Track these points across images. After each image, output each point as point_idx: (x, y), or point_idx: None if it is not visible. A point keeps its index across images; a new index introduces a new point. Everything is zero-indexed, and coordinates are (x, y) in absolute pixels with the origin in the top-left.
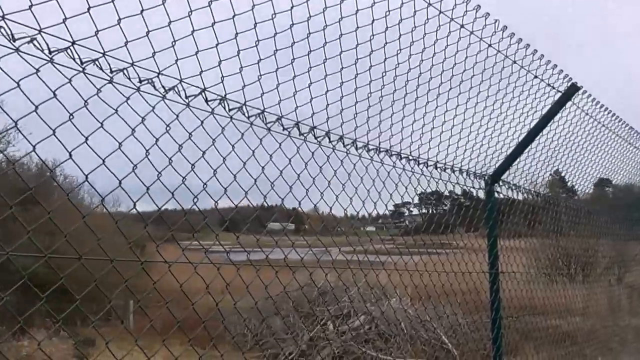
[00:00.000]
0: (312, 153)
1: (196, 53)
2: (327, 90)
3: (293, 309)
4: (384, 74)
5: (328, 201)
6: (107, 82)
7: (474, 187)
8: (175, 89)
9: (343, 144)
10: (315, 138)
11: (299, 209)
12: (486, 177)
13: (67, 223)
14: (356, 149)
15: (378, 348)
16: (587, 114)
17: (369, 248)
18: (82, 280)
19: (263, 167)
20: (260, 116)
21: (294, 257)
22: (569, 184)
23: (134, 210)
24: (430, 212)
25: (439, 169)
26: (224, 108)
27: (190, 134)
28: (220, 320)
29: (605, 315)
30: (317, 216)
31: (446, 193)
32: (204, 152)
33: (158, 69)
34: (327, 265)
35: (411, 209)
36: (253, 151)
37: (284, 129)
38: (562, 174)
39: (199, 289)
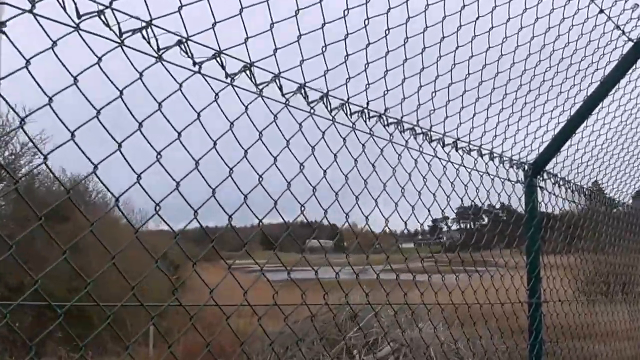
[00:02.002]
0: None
1: None
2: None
3: (319, 335)
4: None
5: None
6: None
7: (509, 180)
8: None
9: (346, 112)
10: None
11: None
12: (526, 167)
13: (96, 242)
14: (365, 120)
15: None
16: None
17: (405, 267)
18: (103, 299)
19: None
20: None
21: (329, 277)
22: (608, 195)
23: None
24: (467, 227)
25: (460, 150)
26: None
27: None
28: (248, 345)
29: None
30: (358, 232)
31: (485, 207)
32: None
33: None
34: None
35: (449, 224)
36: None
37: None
38: (601, 185)
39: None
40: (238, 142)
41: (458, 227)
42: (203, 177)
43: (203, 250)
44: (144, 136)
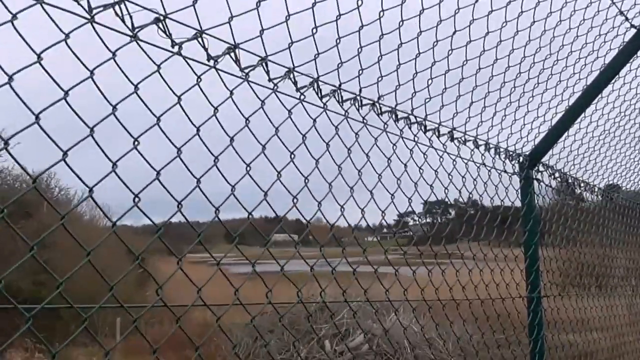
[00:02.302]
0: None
1: None
2: None
3: (288, 326)
4: None
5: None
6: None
7: (505, 171)
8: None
9: (337, 99)
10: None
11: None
12: (521, 158)
13: (62, 237)
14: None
15: None
16: None
17: (374, 259)
18: (70, 297)
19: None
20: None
21: (295, 269)
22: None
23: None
24: (434, 221)
25: (456, 141)
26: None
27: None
28: (214, 337)
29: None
30: (322, 226)
31: (451, 202)
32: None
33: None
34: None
35: (415, 218)
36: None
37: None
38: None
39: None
40: (223, 128)
41: (426, 220)
42: (185, 165)
43: (169, 245)
44: (119, 120)
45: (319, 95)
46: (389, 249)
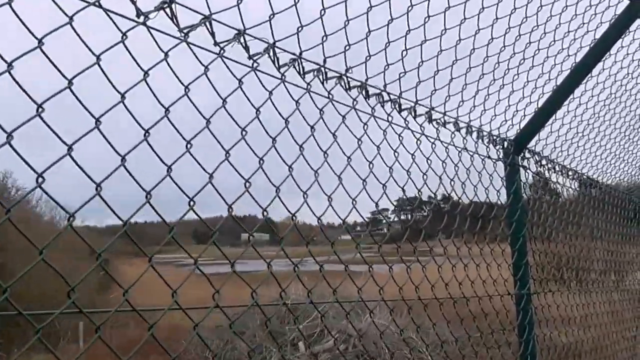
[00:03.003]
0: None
1: None
2: None
3: (260, 328)
4: None
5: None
6: None
7: (489, 157)
8: None
9: (298, 70)
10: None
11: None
12: (506, 143)
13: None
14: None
15: None
16: None
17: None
18: (26, 299)
19: None
20: None
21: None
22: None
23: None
24: (408, 218)
25: (434, 122)
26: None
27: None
28: (182, 339)
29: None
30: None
31: (425, 198)
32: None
33: None
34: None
35: (389, 215)
36: None
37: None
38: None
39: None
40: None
41: (400, 218)
42: (153, 149)
43: (129, 246)
44: (76, 96)
45: (276, 65)
46: (365, 246)
